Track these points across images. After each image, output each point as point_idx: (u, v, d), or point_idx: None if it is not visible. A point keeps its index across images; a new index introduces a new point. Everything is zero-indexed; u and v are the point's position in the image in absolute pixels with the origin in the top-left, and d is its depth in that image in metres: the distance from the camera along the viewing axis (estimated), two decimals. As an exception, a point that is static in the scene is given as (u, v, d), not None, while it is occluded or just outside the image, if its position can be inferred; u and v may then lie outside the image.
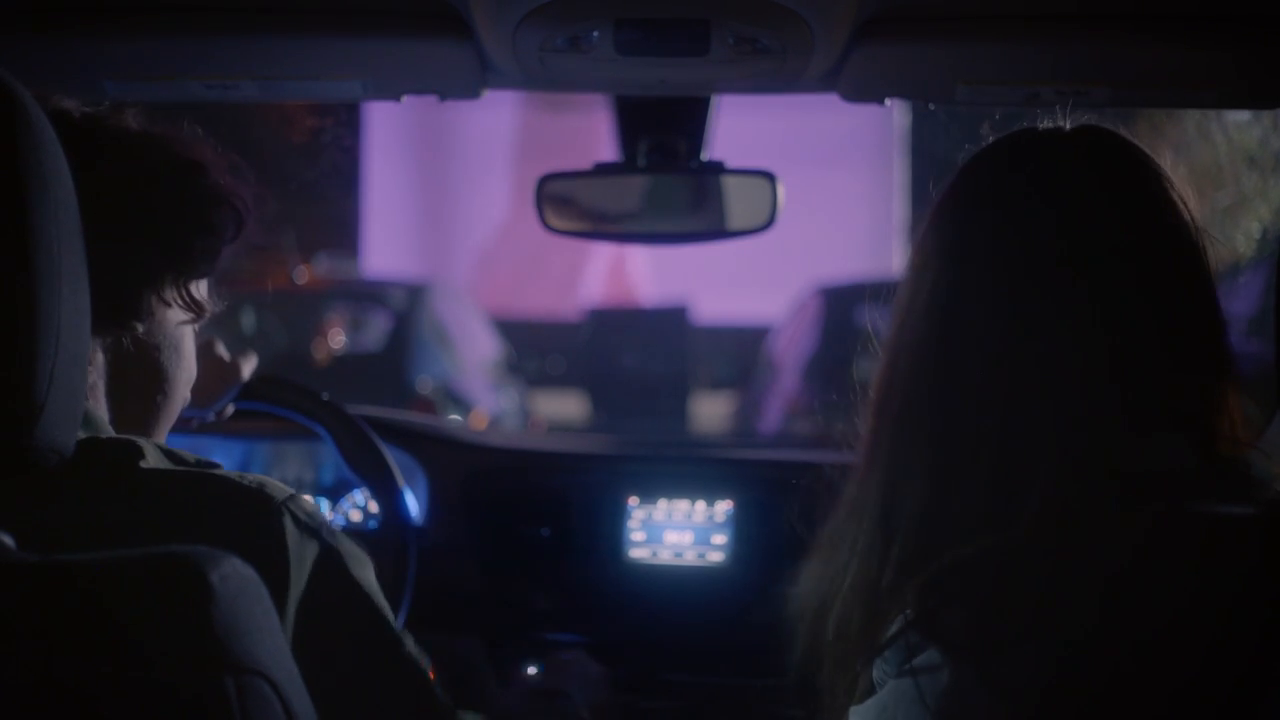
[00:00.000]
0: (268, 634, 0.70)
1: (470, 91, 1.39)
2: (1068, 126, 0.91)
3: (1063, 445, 0.82)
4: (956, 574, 0.81)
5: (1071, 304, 0.83)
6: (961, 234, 0.87)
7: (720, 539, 1.68)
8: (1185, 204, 0.87)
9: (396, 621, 1.03)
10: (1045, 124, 0.92)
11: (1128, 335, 0.83)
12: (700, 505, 1.69)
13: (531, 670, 1.67)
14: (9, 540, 0.71)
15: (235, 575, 0.69)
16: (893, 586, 0.84)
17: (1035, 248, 0.84)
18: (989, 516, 0.82)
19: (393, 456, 1.57)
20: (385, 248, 12.23)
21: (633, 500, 1.69)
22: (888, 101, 1.41)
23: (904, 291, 0.90)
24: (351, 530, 1.58)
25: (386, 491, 1.54)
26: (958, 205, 0.89)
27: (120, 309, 0.95)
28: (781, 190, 1.61)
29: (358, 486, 1.77)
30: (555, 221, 1.64)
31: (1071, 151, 0.89)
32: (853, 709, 0.89)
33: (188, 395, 1.07)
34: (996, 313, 0.84)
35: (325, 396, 1.56)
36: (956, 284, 0.86)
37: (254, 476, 0.92)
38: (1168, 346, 0.83)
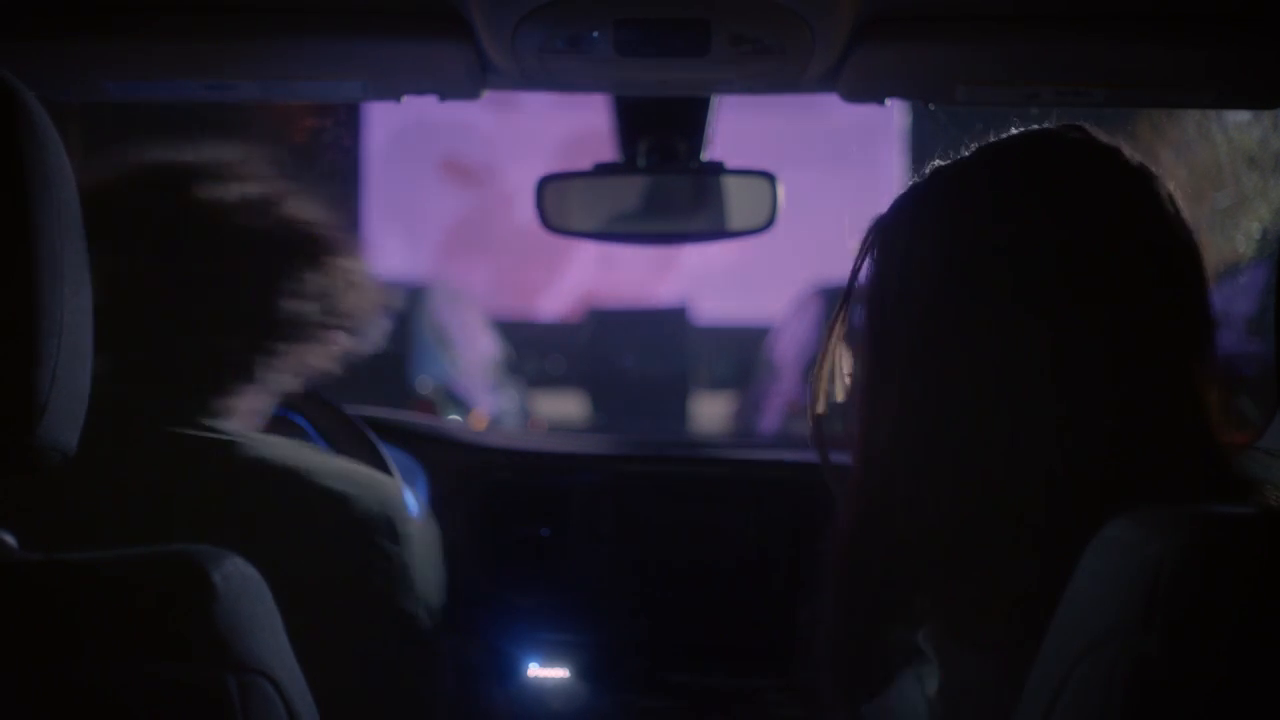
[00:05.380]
0: (270, 633, 0.70)
1: (470, 92, 1.39)
2: (1050, 126, 0.90)
3: (1064, 449, 0.82)
4: (958, 576, 0.81)
5: (1065, 312, 0.83)
6: (952, 243, 0.86)
7: (720, 539, 1.68)
8: (1174, 200, 0.87)
9: None
10: (1026, 126, 0.91)
11: (1120, 339, 0.83)
12: (700, 505, 1.69)
13: (532, 670, 1.68)
14: (11, 539, 0.71)
15: (238, 574, 0.69)
16: (900, 587, 0.85)
17: (1027, 254, 0.84)
18: (993, 518, 0.82)
19: (392, 457, 1.57)
20: (385, 248, 12.24)
21: (633, 500, 1.69)
22: (888, 101, 1.41)
23: (890, 299, 0.88)
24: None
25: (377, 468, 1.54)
26: (947, 212, 0.88)
27: None
28: (781, 190, 1.62)
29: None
30: (555, 222, 1.64)
31: (1063, 155, 0.88)
32: (864, 708, 0.89)
33: None
34: (990, 322, 0.84)
35: None
36: (952, 293, 0.85)
37: None
38: (1161, 349, 0.83)
